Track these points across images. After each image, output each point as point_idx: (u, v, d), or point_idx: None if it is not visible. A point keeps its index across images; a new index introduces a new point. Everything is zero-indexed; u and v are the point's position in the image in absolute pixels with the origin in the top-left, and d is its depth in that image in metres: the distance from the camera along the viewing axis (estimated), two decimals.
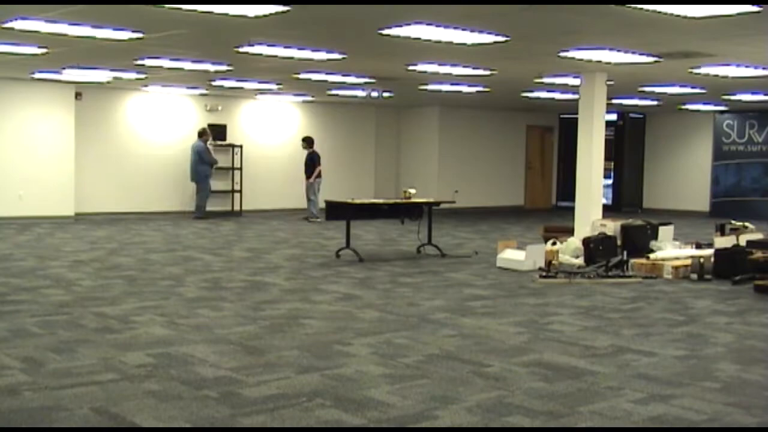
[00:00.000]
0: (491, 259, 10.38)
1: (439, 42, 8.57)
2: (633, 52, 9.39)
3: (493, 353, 5.62)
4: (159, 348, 5.57)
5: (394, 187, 19.52)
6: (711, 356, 5.67)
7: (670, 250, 10.14)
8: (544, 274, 9.11)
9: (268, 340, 5.87)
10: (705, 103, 17.28)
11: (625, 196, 20.67)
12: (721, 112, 19.19)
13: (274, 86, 14.79)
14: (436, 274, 9.40)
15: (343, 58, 10.25)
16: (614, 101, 16.23)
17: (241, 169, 17.47)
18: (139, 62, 11.14)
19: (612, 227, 10.63)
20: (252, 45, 9.24)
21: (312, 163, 16.54)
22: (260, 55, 9.91)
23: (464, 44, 8.67)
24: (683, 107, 18.32)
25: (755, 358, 5.66)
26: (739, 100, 16.19)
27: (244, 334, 6.05)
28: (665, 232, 10.68)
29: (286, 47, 9.38)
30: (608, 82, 11.71)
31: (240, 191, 17.52)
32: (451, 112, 19.44)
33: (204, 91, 16.21)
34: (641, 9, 6.62)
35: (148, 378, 4.85)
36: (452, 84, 13.75)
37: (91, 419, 4.12)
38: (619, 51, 9.27)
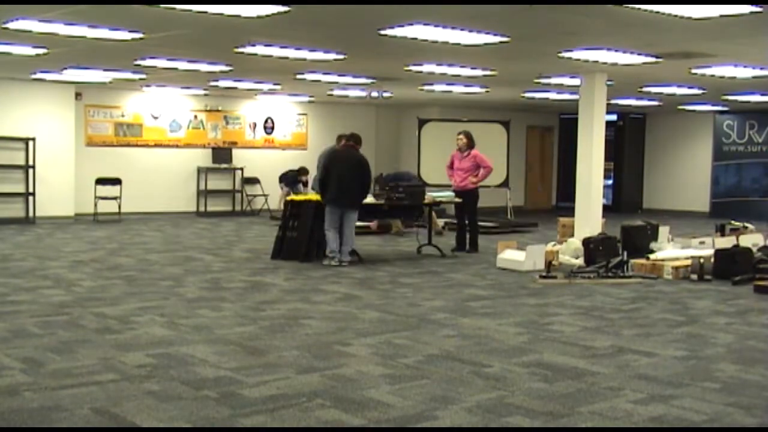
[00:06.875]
0: (491, 259, 10.38)
1: (439, 42, 8.56)
2: (633, 52, 9.39)
3: (493, 353, 5.61)
4: (159, 348, 5.57)
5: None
6: (711, 357, 5.67)
7: (671, 250, 10.15)
8: (544, 274, 9.10)
9: (268, 341, 5.87)
10: (705, 104, 17.26)
11: (625, 196, 20.67)
12: (721, 112, 19.17)
13: (273, 86, 14.79)
14: (436, 274, 9.40)
15: (344, 58, 10.25)
16: (614, 101, 16.22)
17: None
18: (139, 62, 11.14)
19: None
20: (252, 45, 9.24)
21: None
22: (260, 55, 9.91)
23: (464, 44, 8.67)
24: (683, 107, 18.31)
25: (755, 359, 5.66)
26: (739, 101, 16.17)
27: (244, 335, 6.05)
28: (665, 232, 10.68)
29: (286, 48, 9.38)
30: (608, 82, 11.70)
31: None
32: (450, 112, 19.41)
33: (204, 91, 16.20)
34: (641, 9, 6.61)
35: (148, 378, 4.84)
36: (452, 84, 13.75)
37: (91, 419, 4.11)
38: (619, 51, 9.27)
